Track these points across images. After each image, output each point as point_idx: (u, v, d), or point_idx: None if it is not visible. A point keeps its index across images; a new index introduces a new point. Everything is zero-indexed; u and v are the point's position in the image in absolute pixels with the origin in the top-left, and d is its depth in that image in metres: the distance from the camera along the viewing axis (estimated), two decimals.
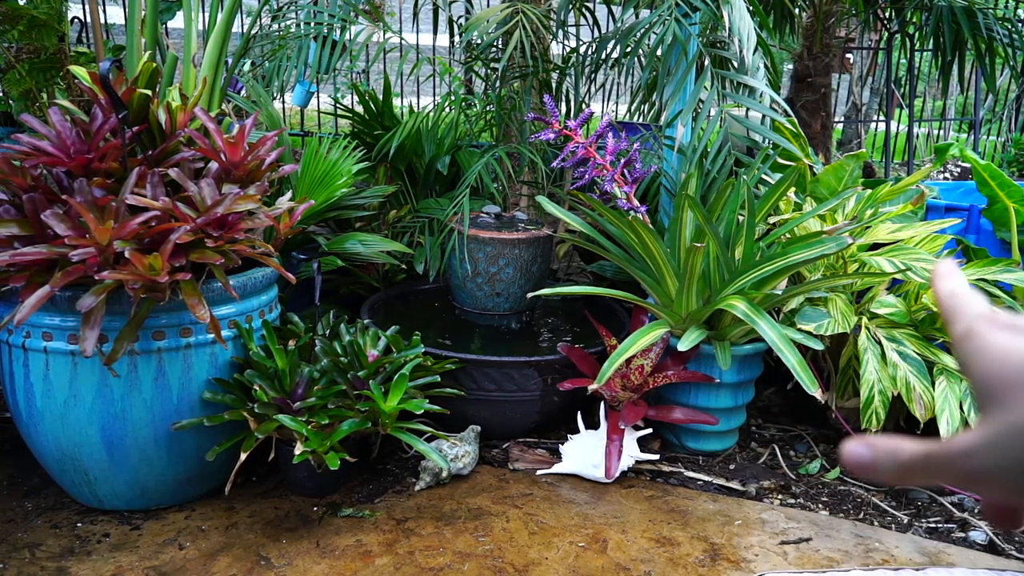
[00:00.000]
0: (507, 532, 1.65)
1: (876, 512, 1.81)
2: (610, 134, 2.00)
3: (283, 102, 4.03)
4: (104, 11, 2.80)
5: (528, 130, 2.50)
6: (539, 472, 1.91)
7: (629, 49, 2.22)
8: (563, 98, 2.67)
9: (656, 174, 2.37)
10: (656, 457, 1.96)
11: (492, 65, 2.62)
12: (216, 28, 2.06)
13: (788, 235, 1.98)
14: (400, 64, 2.65)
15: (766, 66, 2.19)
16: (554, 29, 2.43)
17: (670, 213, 2.13)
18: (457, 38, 2.81)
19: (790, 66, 3.37)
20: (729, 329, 1.95)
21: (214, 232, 1.53)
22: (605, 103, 3.13)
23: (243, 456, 1.59)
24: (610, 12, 3.09)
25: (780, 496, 1.87)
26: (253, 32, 2.46)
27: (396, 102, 3.09)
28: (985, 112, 5.29)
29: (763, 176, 2.09)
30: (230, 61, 2.23)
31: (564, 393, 2.00)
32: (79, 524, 1.64)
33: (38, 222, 1.43)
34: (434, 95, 3.75)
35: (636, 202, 1.99)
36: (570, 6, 2.41)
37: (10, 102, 2.55)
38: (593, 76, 2.53)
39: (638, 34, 2.10)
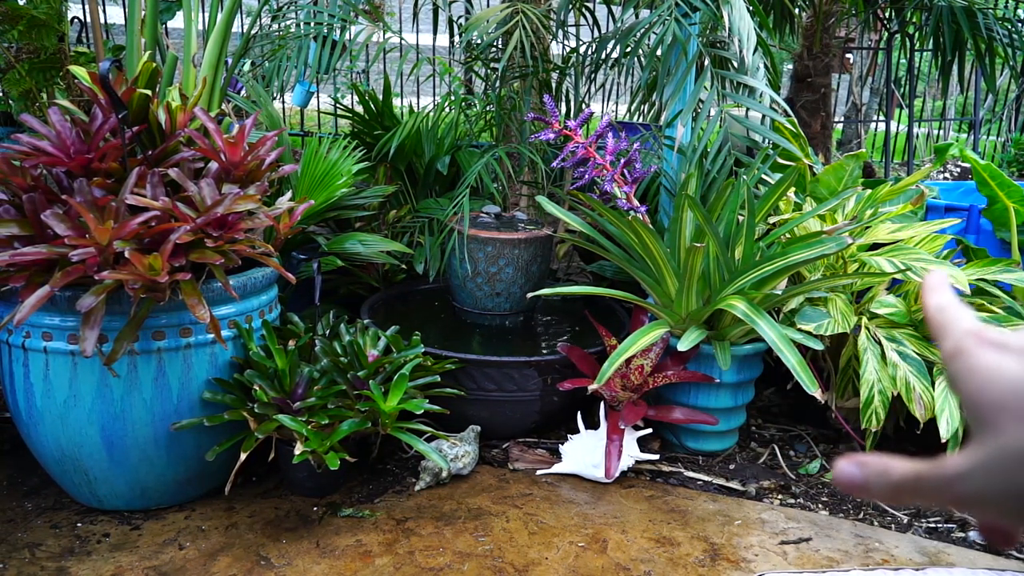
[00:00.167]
0: (507, 532, 1.65)
1: (876, 512, 1.81)
2: (610, 134, 2.00)
3: (283, 102, 4.03)
4: (104, 11, 2.80)
5: (528, 130, 2.50)
6: (539, 472, 1.91)
7: (629, 49, 2.22)
8: (563, 98, 2.67)
9: (656, 174, 2.37)
10: (656, 457, 1.96)
11: (492, 65, 2.62)
12: (216, 28, 2.06)
13: (788, 235, 1.98)
14: (400, 64, 2.65)
15: (766, 66, 2.19)
16: (554, 29, 2.43)
17: (670, 213, 2.13)
18: (457, 38, 2.81)
19: (790, 66, 3.37)
20: (729, 329, 1.95)
21: (214, 232, 1.53)
22: (605, 103, 3.13)
23: (243, 456, 1.59)
24: (610, 12, 3.09)
25: (780, 496, 1.87)
26: (253, 32, 2.46)
27: (396, 102, 3.10)
28: (985, 112, 5.29)
29: (763, 176, 2.09)
30: (230, 61, 2.23)
31: (564, 393, 2.00)
32: (79, 524, 1.64)
33: (38, 222, 1.43)
34: (434, 95, 3.75)
35: (636, 202, 1.99)
36: (570, 6, 2.41)
37: (10, 102, 2.55)
38: (593, 76, 2.53)
39: (638, 34, 2.10)
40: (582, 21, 2.68)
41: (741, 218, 1.91)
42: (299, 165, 2.18)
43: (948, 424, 1.73)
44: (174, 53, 2.04)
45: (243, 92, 2.78)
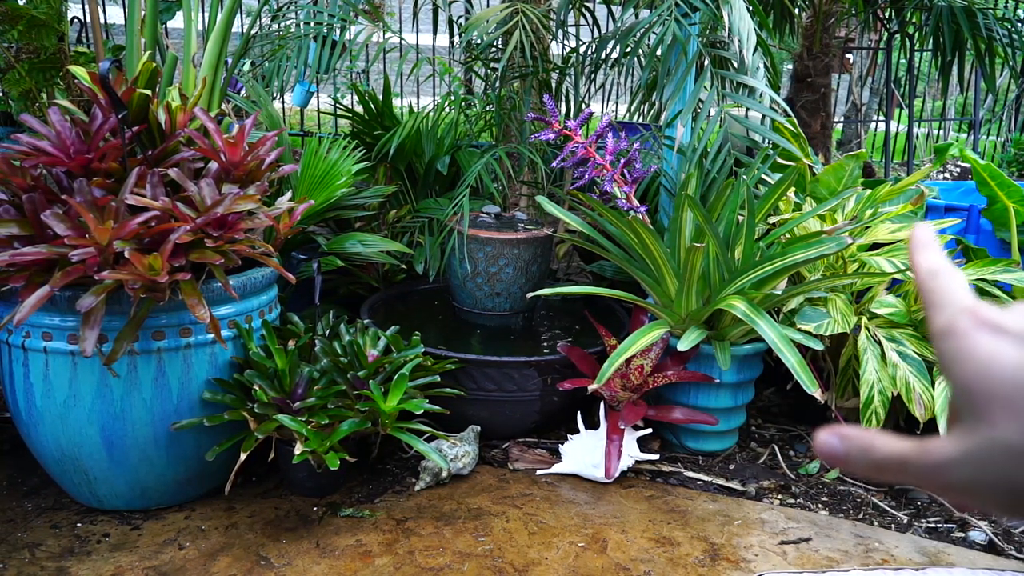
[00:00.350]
0: (507, 532, 1.65)
1: (876, 512, 1.81)
2: (610, 134, 2.00)
3: (283, 102, 4.03)
4: (104, 11, 2.80)
5: (528, 130, 2.50)
6: (539, 472, 1.91)
7: (629, 49, 2.22)
8: (563, 98, 2.67)
9: (656, 174, 2.37)
10: (656, 457, 1.96)
11: (492, 65, 2.62)
12: (216, 28, 2.06)
13: (788, 235, 1.98)
14: (400, 64, 2.65)
15: (766, 66, 2.19)
16: (554, 29, 2.43)
17: (670, 213, 2.13)
18: (457, 38, 2.81)
19: (790, 66, 3.37)
20: (729, 329, 1.95)
21: (214, 232, 1.53)
22: (605, 103, 3.13)
23: (243, 456, 1.59)
24: (610, 12, 3.09)
25: (780, 496, 1.87)
26: (253, 32, 2.47)
27: (396, 102, 3.10)
28: (985, 112, 5.29)
29: (763, 176, 2.09)
30: (230, 61, 2.23)
31: (564, 393, 2.00)
32: (79, 524, 1.64)
33: (38, 222, 1.43)
34: (434, 95, 3.75)
35: (636, 202, 1.99)
36: (570, 6, 2.41)
37: (10, 102, 2.55)
38: (593, 76, 2.53)
39: (638, 34, 2.10)
40: (582, 21, 2.68)
41: (741, 218, 1.91)
42: (299, 165, 2.18)
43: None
44: (174, 53, 2.04)
45: (243, 92, 2.78)
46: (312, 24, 2.39)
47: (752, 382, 2.03)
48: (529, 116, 2.10)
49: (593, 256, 2.54)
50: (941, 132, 5.87)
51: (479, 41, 2.45)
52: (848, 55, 5.67)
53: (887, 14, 3.50)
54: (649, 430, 2.01)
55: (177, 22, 3.19)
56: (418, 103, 3.89)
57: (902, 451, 0.32)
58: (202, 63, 2.06)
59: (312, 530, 1.64)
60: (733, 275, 1.86)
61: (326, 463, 1.54)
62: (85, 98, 2.37)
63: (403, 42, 2.97)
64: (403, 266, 2.40)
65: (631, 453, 1.91)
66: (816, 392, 1.68)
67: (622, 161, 1.99)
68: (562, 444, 1.97)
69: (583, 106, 2.60)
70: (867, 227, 1.97)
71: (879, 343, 1.85)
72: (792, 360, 1.70)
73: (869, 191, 2.07)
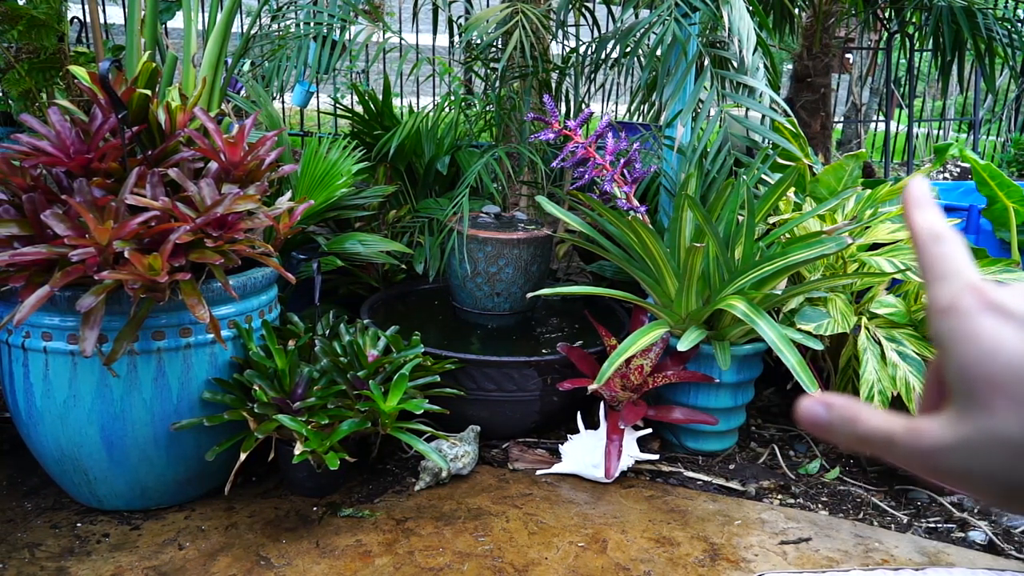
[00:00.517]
0: (507, 532, 1.65)
1: (876, 512, 1.81)
2: (610, 134, 2.00)
3: (283, 102, 4.03)
4: (104, 11, 2.80)
5: (528, 130, 2.50)
6: (539, 472, 1.91)
7: (629, 49, 2.22)
8: (563, 98, 2.67)
9: (656, 174, 2.37)
10: (656, 457, 1.96)
11: (492, 65, 2.62)
12: (216, 28, 2.06)
13: (788, 235, 1.98)
14: (400, 64, 2.65)
15: (766, 66, 2.19)
16: (554, 29, 2.43)
17: (670, 213, 2.13)
18: (457, 38, 2.81)
19: (790, 66, 3.37)
20: (729, 329, 1.95)
21: (214, 232, 1.53)
22: (605, 103, 3.13)
23: (243, 456, 1.59)
24: (610, 12, 3.09)
25: (780, 496, 1.87)
26: (253, 32, 2.47)
27: (396, 102, 3.09)
28: (984, 112, 5.29)
29: (763, 176, 2.09)
30: (230, 61, 2.23)
31: (564, 393, 2.00)
32: (79, 524, 1.64)
33: (38, 222, 1.43)
34: (434, 95, 3.75)
35: (636, 202, 1.99)
36: (570, 6, 2.41)
37: (10, 102, 2.55)
38: (593, 76, 2.53)
39: (638, 34, 2.10)
40: (582, 21, 2.68)
41: (741, 218, 1.91)
42: (299, 165, 2.18)
43: None
44: (174, 53, 2.04)
45: (243, 92, 2.78)
46: (312, 24, 2.39)
47: (752, 382, 2.03)
48: (529, 116, 2.10)
49: (593, 256, 2.54)
50: (941, 132, 5.87)
51: (479, 41, 2.45)
52: (848, 55, 5.68)
53: (887, 14, 3.50)
54: (649, 430, 2.01)
55: (177, 22, 3.19)
56: (418, 103, 3.89)
57: (890, 428, 0.30)
58: (202, 63, 2.06)
59: (312, 530, 1.64)
60: (733, 275, 1.86)
61: (326, 463, 1.54)
62: (85, 98, 2.37)
63: (403, 42, 2.98)
64: (403, 266, 2.40)
65: (631, 453, 1.91)
66: (816, 392, 1.68)
67: (622, 161, 1.99)
68: (562, 444, 1.97)
69: (583, 106, 2.60)
70: (867, 227, 1.97)
71: (879, 343, 1.85)
72: (792, 360, 1.70)
73: (869, 191, 2.07)
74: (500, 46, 2.64)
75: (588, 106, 2.34)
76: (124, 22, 2.26)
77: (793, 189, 2.09)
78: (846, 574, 1.55)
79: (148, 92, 1.63)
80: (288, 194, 1.95)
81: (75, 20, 2.94)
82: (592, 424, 2.00)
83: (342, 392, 1.70)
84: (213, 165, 1.66)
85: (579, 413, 2.03)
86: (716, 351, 1.87)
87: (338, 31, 2.37)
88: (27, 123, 1.55)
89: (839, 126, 5.72)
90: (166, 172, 1.59)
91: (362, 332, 1.89)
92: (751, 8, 2.07)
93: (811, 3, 3.10)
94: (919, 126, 5.82)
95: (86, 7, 2.74)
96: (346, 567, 1.51)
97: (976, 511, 1.80)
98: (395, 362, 1.79)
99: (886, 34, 3.83)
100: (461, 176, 2.51)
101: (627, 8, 2.31)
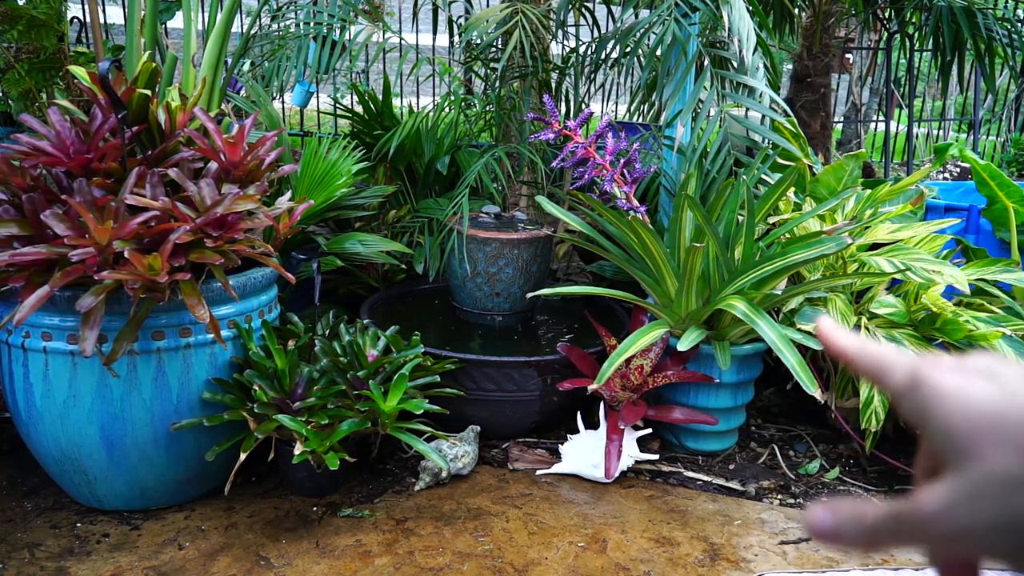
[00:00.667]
0: (507, 532, 1.65)
1: None
2: (610, 134, 2.00)
3: (283, 102, 4.03)
4: (104, 11, 2.80)
5: (528, 130, 2.50)
6: (539, 472, 1.91)
7: (629, 49, 2.22)
8: (563, 98, 2.67)
9: (656, 174, 2.37)
10: (656, 457, 1.96)
11: (492, 65, 2.62)
12: (216, 28, 2.06)
13: (788, 235, 1.98)
14: (400, 64, 2.65)
15: (766, 66, 2.19)
16: (554, 29, 2.43)
17: (670, 213, 2.13)
18: (457, 38, 2.81)
19: (790, 66, 3.37)
20: (729, 329, 1.95)
21: (214, 232, 1.53)
22: (605, 103, 3.13)
23: (243, 456, 1.59)
24: (610, 12, 3.09)
25: (780, 496, 1.87)
26: (253, 32, 2.46)
27: (396, 102, 3.10)
28: (984, 112, 5.29)
29: (763, 176, 2.09)
30: (230, 61, 2.23)
31: (564, 393, 2.00)
32: (79, 524, 1.64)
33: (38, 222, 1.43)
34: (434, 95, 3.75)
35: (636, 202, 1.99)
36: (570, 6, 2.41)
37: (10, 102, 2.55)
38: (593, 76, 2.53)
39: (638, 34, 2.10)
40: (582, 21, 2.68)
41: (741, 218, 1.91)
42: (299, 165, 2.18)
43: None
44: (174, 53, 2.04)
45: (243, 92, 2.78)
46: (312, 24, 2.39)
47: (752, 382, 2.03)
48: (529, 116, 2.10)
49: (593, 256, 2.54)
50: (941, 132, 5.87)
51: (479, 41, 2.45)
52: (848, 55, 5.68)
53: (887, 14, 3.50)
54: (649, 430, 2.01)
55: (177, 22, 3.19)
56: (418, 103, 3.89)
57: (894, 509, 0.31)
58: (202, 63, 2.06)
59: (312, 530, 1.64)
60: (733, 275, 1.86)
61: (326, 463, 1.54)
62: (85, 98, 2.37)
63: (403, 42, 2.98)
64: (403, 266, 2.40)
65: (631, 453, 1.91)
66: (816, 392, 1.68)
67: (622, 161, 1.99)
68: (562, 444, 1.97)
69: (583, 106, 2.60)
70: (867, 227, 1.97)
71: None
72: (792, 360, 1.70)
73: (869, 191, 2.07)
74: (500, 46, 2.64)
75: (588, 106, 2.34)
76: (124, 22, 2.26)
77: (793, 189, 2.09)
78: (846, 574, 1.55)
79: (148, 92, 1.63)
80: (288, 194, 1.95)
81: (75, 20, 2.94)
82: (592, 424, 2.00)
83: (342, 392, 1.70)
84: (213, 165, 1.66)
85: (579, 413, 2.03)
86: (716, 351, 1.87)
87: (338, 31, 2.37)
88: (27, 123, 1.55)
89: (839, 126, 5.72)
90: (166, 172, 1.59)
91: (362, 332, 1.89)
92: (751, 8, 2.07)
93: (811, 3, 3.10)
94: (919, 126, 5.82)
95: (86, 7, 2.74)
96: (346, 567, 1.51)
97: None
98: (395, 362, 1.79)
99: (886, 34, 3.83)
100: (461, 176, 2.51)
101: (627, 8, 2.31)
